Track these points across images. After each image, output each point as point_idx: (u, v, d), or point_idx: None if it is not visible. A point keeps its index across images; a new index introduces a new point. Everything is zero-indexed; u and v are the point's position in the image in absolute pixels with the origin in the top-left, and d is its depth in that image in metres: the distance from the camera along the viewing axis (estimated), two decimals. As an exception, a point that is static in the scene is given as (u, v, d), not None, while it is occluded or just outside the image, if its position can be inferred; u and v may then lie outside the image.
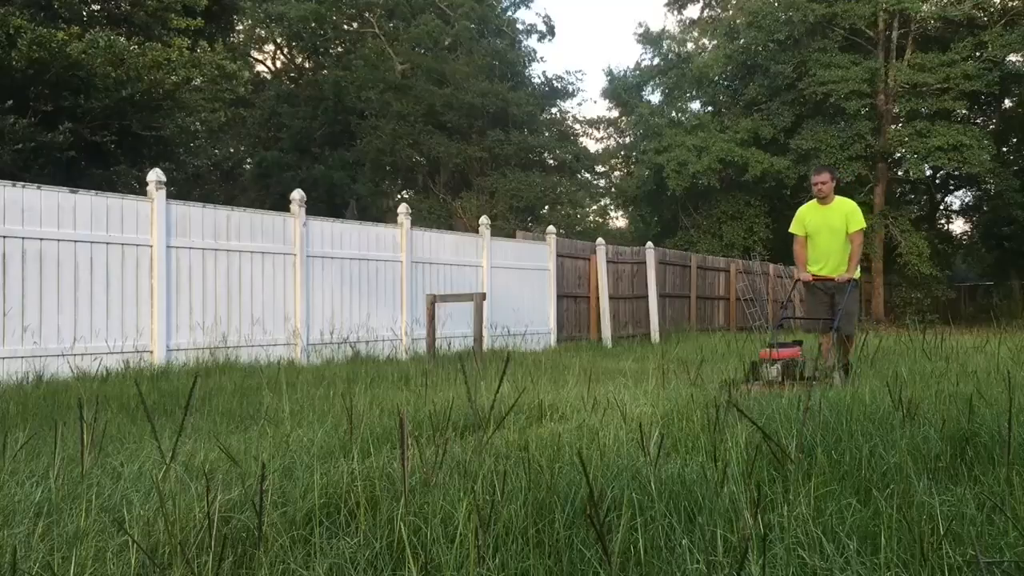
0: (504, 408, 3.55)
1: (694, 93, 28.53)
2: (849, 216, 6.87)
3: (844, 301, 6.78)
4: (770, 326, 7.06)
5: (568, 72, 44.60)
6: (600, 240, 14.86)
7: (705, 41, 30.31)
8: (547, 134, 27.55)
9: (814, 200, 7.05)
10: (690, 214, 26.54)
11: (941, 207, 31.31)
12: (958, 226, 33.53)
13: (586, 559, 1.95)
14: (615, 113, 34.20)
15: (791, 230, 7.14)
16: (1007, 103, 26.57)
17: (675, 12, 32.53)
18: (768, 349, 6.01)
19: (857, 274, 6.95)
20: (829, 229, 6.94)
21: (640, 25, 50.39)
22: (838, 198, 7.05)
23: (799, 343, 6.27)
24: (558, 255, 13.54)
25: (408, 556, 1.92)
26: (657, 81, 29.72)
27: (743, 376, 5.93)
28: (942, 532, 1.99)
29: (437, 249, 11.49)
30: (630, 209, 33.67)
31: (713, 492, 2.29)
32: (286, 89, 27.16)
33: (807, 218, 7.06)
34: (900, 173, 25.42)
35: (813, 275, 7.02)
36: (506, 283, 12.46)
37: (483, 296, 9.06)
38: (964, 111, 24.02)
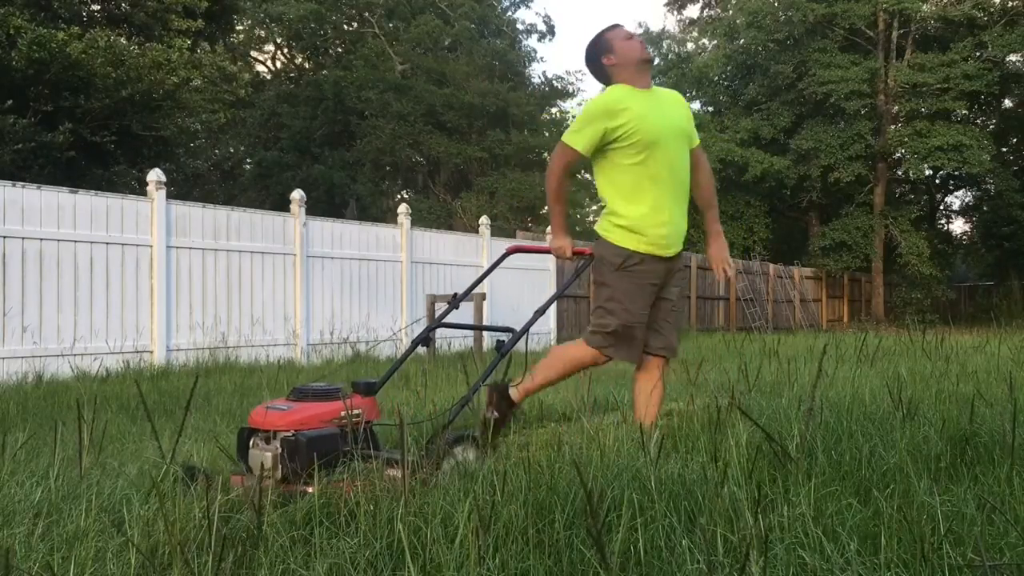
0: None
1: (694, 93, 28.53)
2: (690, 118, 3.47)
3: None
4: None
5: (568, 72, 44.78)
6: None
7: (705, 41, 30.32)
8: (547, 134, 27.52)
9: (622, 85, 3.27)
10: (690, 214, 26.55)
11: (941, 207, 31.33)
12: (958, 226, 33.60)
13: (586, 559, 1.95)
14: (615, 113, 34.18)
15: (571, 141, 3.24)
16: (1007, 103, 26.59)
17: (675, 12, 32.58)
18: (275, 405, 2.83)
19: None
20: (677, 134, 3.35)
21: (640, 25, 50.36)
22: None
23: (356, 388, 3.04)
24: (558, 255, 13.54)
25: (407, 557, 1.92)
26: (657, 81, 29.68)
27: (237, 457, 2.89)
28: (943, 532, 1.99)
29: (437, 249, 11.49)
30: (630, 209, 33.64)
31: (713, 492, 2.29)
32: (286, 89, 27.14)
33: (632, 107, 3.19)
34: (900, 173, 25.43)
35: (651, 250, 3.47)
36: (506, 283, 12.46)
37: (483, 296, 9.06)
38: (964, 111, 24.02)
